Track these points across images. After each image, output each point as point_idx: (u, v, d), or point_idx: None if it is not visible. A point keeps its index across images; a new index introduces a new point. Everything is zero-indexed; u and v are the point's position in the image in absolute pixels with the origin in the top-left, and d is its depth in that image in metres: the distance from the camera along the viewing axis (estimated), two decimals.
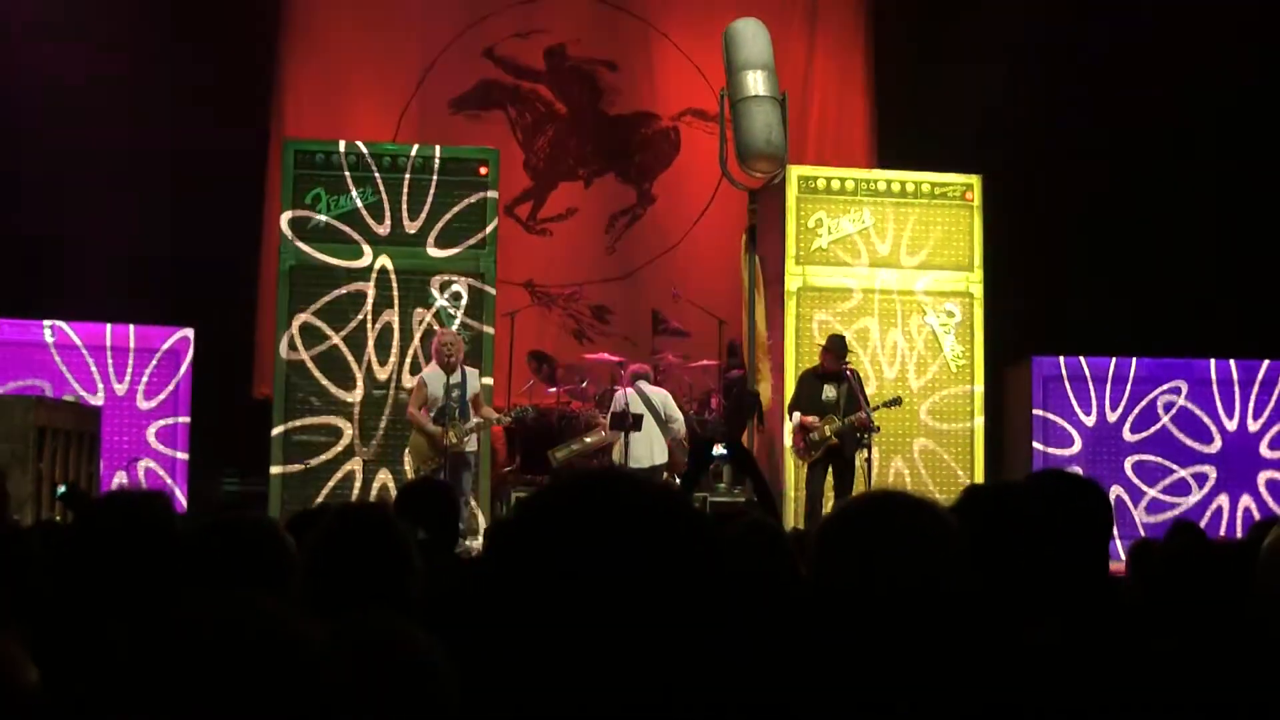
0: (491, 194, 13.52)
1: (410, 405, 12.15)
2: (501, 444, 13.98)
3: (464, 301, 13.30)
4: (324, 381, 13.04)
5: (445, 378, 11.92)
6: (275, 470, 12.92)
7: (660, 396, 13.30)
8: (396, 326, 13.21)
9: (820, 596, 2.21)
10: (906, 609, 2.11)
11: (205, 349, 13.89)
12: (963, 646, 2.11)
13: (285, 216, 13.23)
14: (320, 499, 12.59)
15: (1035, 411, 14.54)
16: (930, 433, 13.99)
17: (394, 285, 13.21)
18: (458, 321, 13.13)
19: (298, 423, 12.97)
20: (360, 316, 13.16)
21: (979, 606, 2.20)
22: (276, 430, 12.94)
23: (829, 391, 12.48)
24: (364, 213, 13.28)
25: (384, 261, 13.27)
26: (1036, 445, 14.48)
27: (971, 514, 2.60)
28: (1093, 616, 2.67)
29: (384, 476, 13.04)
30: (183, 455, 13.62)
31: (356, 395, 13.09)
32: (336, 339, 13.09)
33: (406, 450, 12.47)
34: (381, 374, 13.16)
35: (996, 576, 2.37)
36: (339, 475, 12.97)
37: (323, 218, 13.19)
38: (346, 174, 13.26)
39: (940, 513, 2.25)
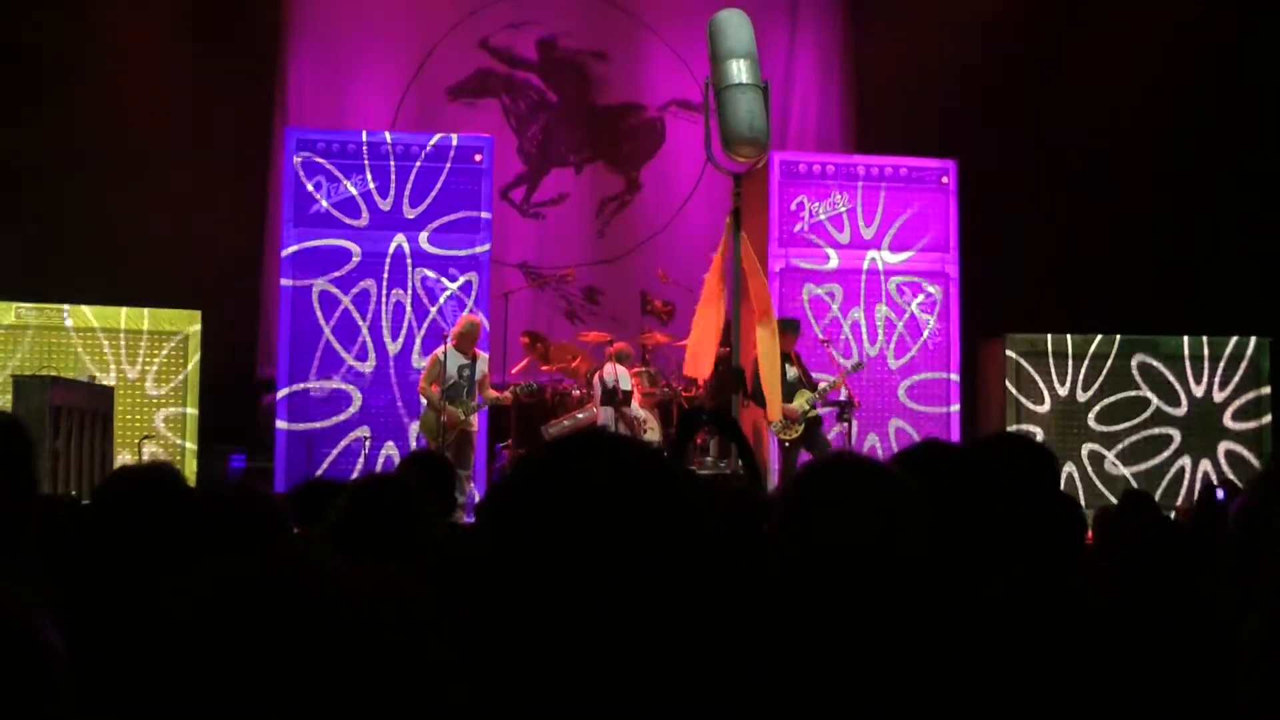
0: (486, 180, 13.63)
1: (422, 380, 12.33)
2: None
3: (460, 283, 13.43)
4: (336, 345, 13.20)
5: (460, 358, 12.15)
6: (281, 425, 13.06)
7: (620, 375, 13.35)
8: (393, 306, 13.33)
9: (780, 558, 2.17)
10: (860, 568, 2.09)
11: (212, 333, 13.90)
12: (916, 603, 2.09)
13: (287, 206, 13.35)
14: (324, 467, 12.87)
15: (1009, 387, 14.59)
16: (907, 414, 14.07)
17: (390, 269, 13.30)
18: (452, 299, 13.30)
19: (306, 385, 13.13)
20: (354, 296, 13.28)
21: (932, 564, 2.13)
22: (283, 392, 13.13)
23: (790, 371, 12.57)
24: (364, 199, 13.38)
25: (383, 246, 13.38)
26: (1011, 423, 14.39)
27: (926, 472, 2.49)
28: (1038, 572, 2.55)
29: (390, 450, 13.15)
30: (192, 430, 13.65)
31: (366, 367, 13.24)
32: (346, 302, 13.25)
33: (417, 425, 12.59)
34: (393, 348, 13.33)
35: (950, 534, 2.28)
36: (344, 443, 13.12)
37: (324, 205, 13.28)
38: (347, 161, 13.34)
39: (895, 475, 2.23)
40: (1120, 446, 14.64)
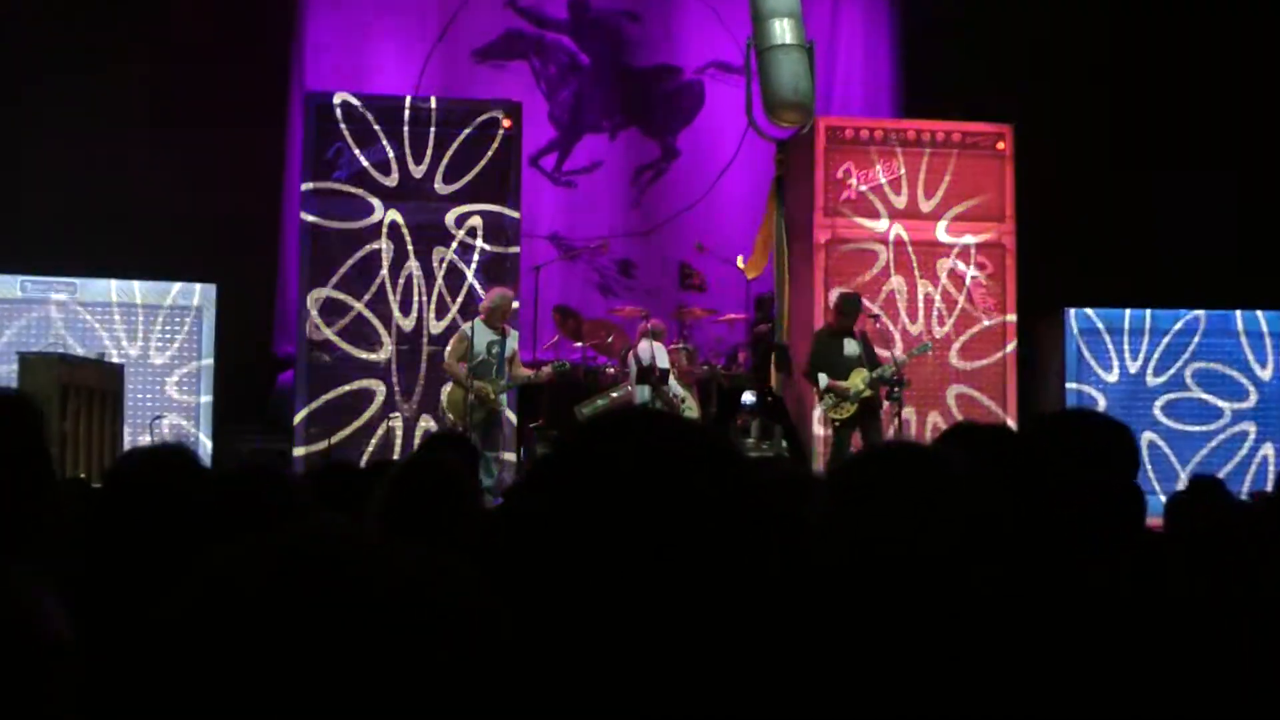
0: (516, 147, 13.71)
1: (449, 357, 12.36)
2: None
3: (487, 255, 13.54)
4: (350, 349, 13.29)
5: (489, 334, 12.17)
6: (299, 452, 13.09)
7: (654, 352, 13.32)
8: (420, 278, 13.42)
9: (825, 550, 2.05)
10: (914, 568, 1.97)
11: (227, 306, 13.95)
12: (974, 602, 1.98)
13: (306, 186, 13.43)
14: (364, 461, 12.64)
15: (1069, 366, 14.56)
16: (962, 376, 13.99)
17: (410, 240, 13.41)
18: (472, 267, 13.41)
19: (323, 399, 13.19)
20: (378, 279, 13.36)
21: (994, 562, 2.01)
22: (300, 416, 13.16)
23: (850, 347, 12.46)
24: (387, 166, 13.44)
25: (402, 216, 13.44)
26: (1071, 398, 14.40)
27: (971, 454, 2.34)
28: (1121, 564, 2.58)
29: (426, 425, 13.25)
30: (206, 410, 13.77)
31: (385, 353, 13.32)
32: (359, 305, 13.32)
33: (443, 404, 12.54)
34: (407, 325, 13.41)
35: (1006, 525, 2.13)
36: (379, 434, 13.22)
37: (343, 175, 13.33)
38: (368, 127, 13.41)
39: (960, 470, 2.08)
40: (1188, 429, 14.55)
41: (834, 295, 12.81)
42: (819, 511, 2.12)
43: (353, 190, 13.39)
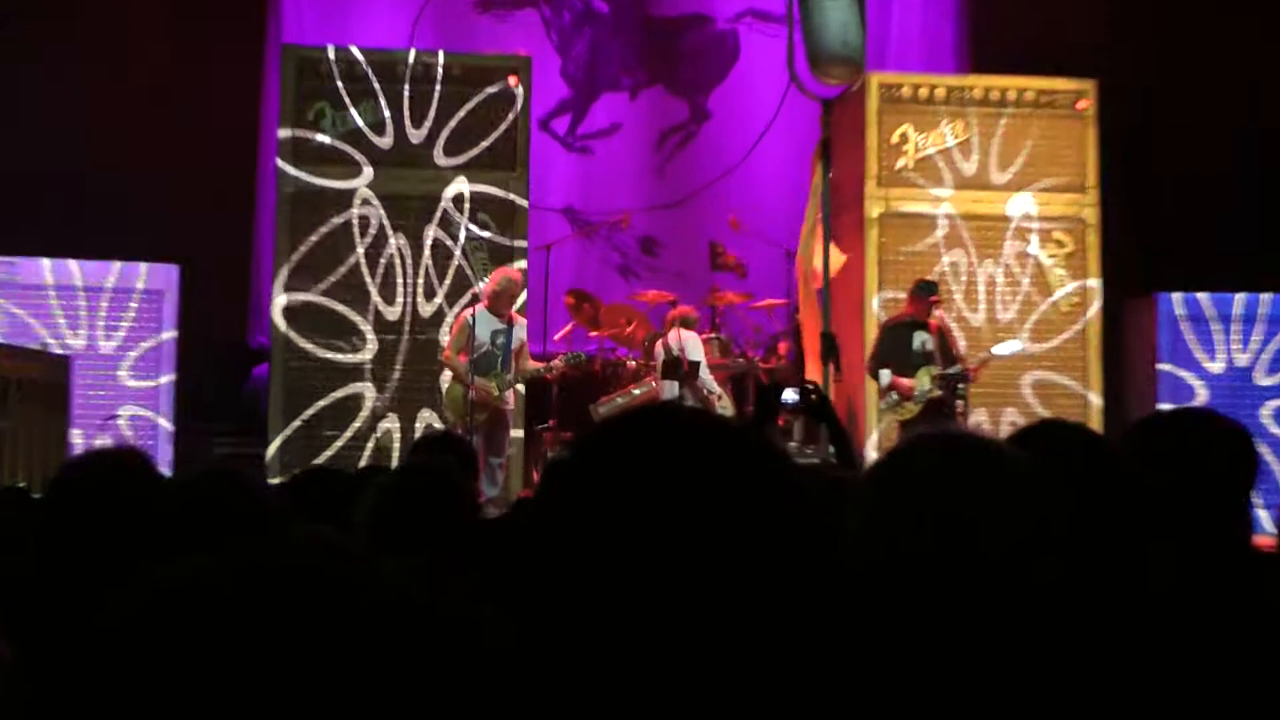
0: (523, 107, 13.58)
1: (448, 349, 12.29)
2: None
3: (490, 232, 13.36)
4: (327, 354, 13.17)
5: (494, 322, 12.06)
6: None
7: (685, 343, 13.29)
8: (407, 255, 13.30)
9: (863, 556, 2.03)
10: (965, 575, 1.95)
11: (194, 288, 13.80)
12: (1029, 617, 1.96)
13: (283, 134, 13.27)
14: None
15: (1160, 355, 14.38)
16: (1038, 361, 13.88)
17: (391, 214, 13.31)
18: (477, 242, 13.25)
19: (302, 418, 13.10)
20: (354, 257, 13.22)
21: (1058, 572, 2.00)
22: (273, 447, 13.03)
23: (920, 341, 12.48)
24: (375, 130, 13.36)
25: (398, 186, 13.34)
26: (1162, 401, 14.04)
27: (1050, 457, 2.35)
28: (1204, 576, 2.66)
29: (390, 426, 13.17)
30: (166, 412, 13.62)
31: (368, 352, 13.24)
32: (338, 305, 13.19)
33: (443, 402, 12.55)
34: (391, 314, 13.25)
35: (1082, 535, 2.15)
36: (370, 447, 13.12)
37: (325, 138, 13.27)
38: (356, 85, 13.33)
39: (1020, 461, 2.06)
40: None
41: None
42: (857, 508, 2.10)
43: (341, 148, 13.30)
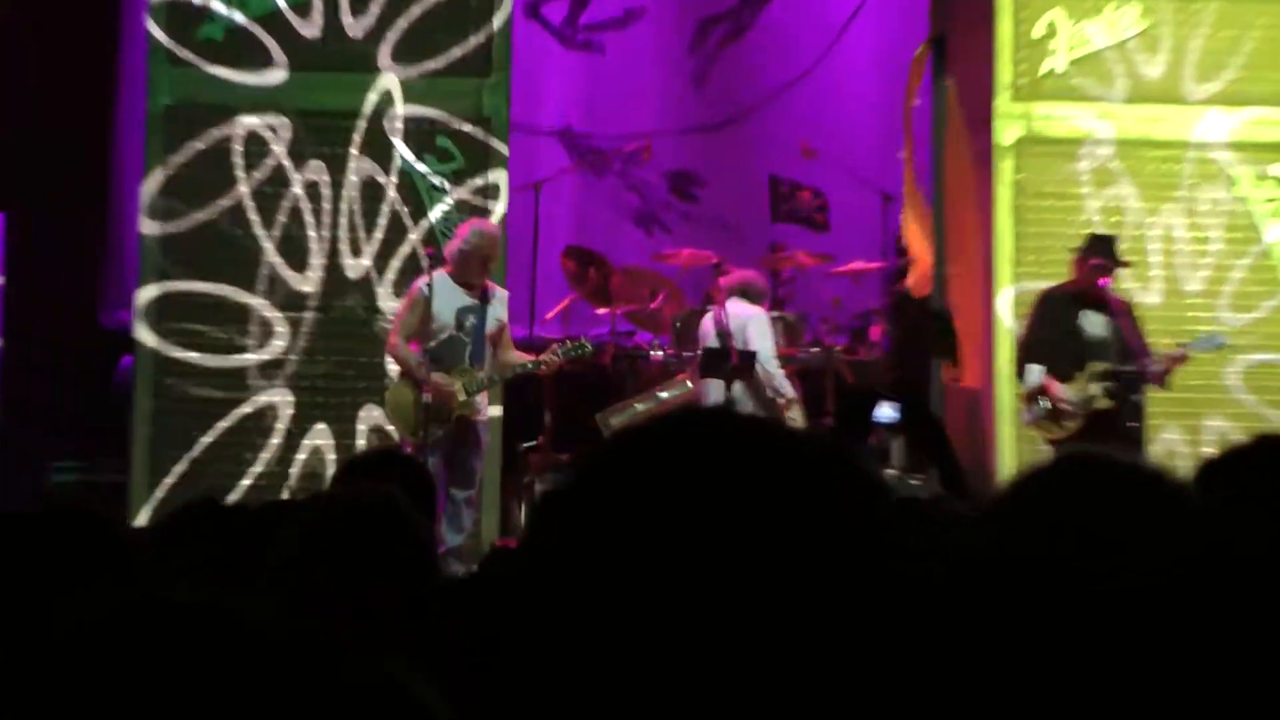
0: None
1: (393, 334, 12.05)
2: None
3: (454, 165, 13.05)
4: (213, 362, 13.09)
5: (460, 296, 11.68)
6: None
7: (739, 322, 12.93)
8: (325, 195, 13.08)
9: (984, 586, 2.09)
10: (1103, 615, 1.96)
11: (27, 245, 13.70)
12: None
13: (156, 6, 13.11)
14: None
15: None
16: (1244, 338, 13.47)
17: (330, 137, 13.21)
18: (446, 195, 13.16)
19: (201, 445, 12.94)
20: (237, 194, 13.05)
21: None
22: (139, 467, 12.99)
23: (1093, 324, 12.05)
24: (287, 15, 13.22)
25: (316, 97, 13.27)
26: None
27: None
28: None
29: (320, 442, 13.13)
30: None
31: (277, 347, 13.07)
32: (219, 286, 13.10)
33: (385, 407, 12.48)
34: (304, 284, 13.00)
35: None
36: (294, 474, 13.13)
37: (224, 15, 13.12)
38: None
39: (1177, 488, 2.19)
40: None
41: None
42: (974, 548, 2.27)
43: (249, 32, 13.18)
